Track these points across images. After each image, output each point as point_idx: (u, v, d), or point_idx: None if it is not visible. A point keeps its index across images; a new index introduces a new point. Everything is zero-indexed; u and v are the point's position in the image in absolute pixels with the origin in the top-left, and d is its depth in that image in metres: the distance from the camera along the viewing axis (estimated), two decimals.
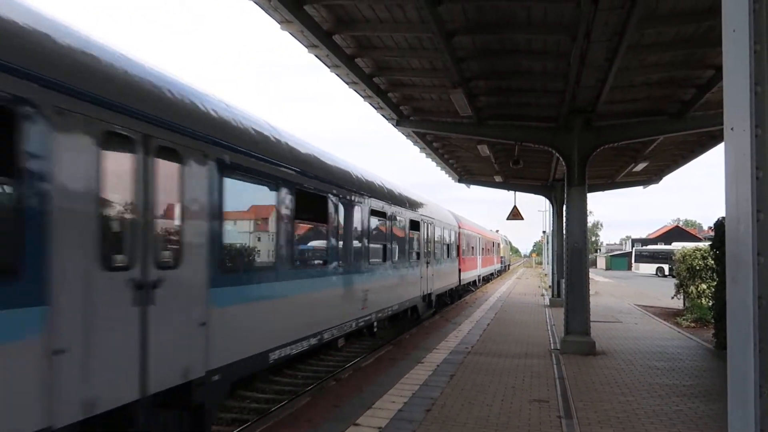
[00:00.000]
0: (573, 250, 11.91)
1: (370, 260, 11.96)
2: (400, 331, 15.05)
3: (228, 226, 6.69)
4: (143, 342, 5.07)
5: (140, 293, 5.04)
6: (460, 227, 25.55)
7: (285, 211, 7.98)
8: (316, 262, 9.77)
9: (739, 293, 2.13)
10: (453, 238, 23.47)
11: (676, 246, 42.43)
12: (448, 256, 22.12)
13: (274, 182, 7.72)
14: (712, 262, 15.04)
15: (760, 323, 2.00)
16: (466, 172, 22.40)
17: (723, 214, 10.93)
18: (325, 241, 9.85)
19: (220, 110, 6.75)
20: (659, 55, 9.37)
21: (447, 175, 22.34)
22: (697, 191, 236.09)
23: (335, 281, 10.04)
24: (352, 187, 10.93)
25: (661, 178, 21.95)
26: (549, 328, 15.35)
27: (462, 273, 25.69)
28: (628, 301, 24.99)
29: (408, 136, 15.33)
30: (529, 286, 36.24)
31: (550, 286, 27.09)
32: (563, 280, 13.68)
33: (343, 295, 10.44)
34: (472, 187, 24.60)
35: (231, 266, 6.82)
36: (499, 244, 51.32)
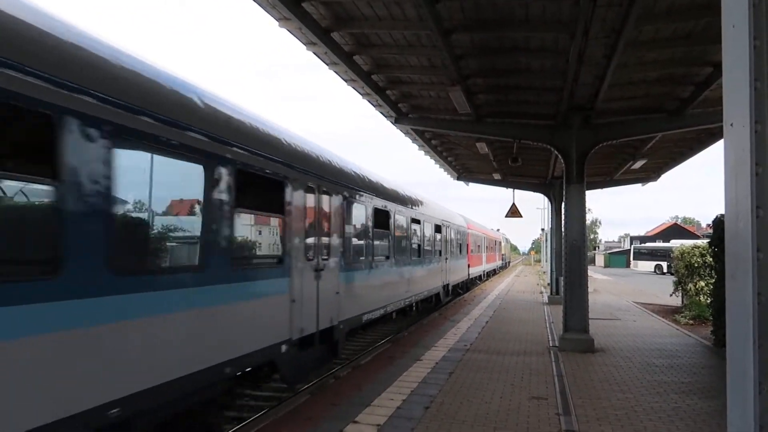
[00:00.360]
0: (572, 248, 11.91)
1: (412, 257, 15.46)
2: (429, 310, 19.00)
3: (349, 237, 10.43)
4: (317, 300, 8.73)
5: (317, 273, 8.77)
6: (468, 228, 28.65)
7: (370, 225, 11.81)
8: (383, 258, 12.92)
9: (738, 290, 2.12)
10: (463, 238, 26.53)
11: (675, 243, 42.51)
12: (460, 253, 25.44)
13: (370, 207, 11.81)
14: (711, 259, 15.08)
15: (759, 320, 2.00)
16: (465, 169, 22.39)
17: (721, 211, 10.87)
18: (387, 244, 13.20)
19: (347, 168, 10.82)
20: (657, 52, 9.36)
21: (446, 172, 22.33)
22: (695, 189, 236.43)
23: (394, 272, 13.80)
24: (402, 203, 14.62)
25: (659, 176, 21.95)
26: (548, 325, 15.36)
27: (470, 268, 29.00)
28: (627, 298, 25.02)
29: (407, 133, 15.31)
30: (527, 283, 36.27)
31: (548, 284, 27.11)
32: (562, 278, 13.70)
33: (397, 282, 14.13)
34: (470, 185, 24.61)
35: (350, 261, 10.43)
36: (500, 243, 55.23)
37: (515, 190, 25.01)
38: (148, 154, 5.35)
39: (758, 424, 1.97)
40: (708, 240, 15.33)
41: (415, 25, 8.50)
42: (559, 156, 12.39)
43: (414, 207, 15.78)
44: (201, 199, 5.96)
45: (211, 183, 6.02)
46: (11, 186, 4.26)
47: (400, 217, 14.11)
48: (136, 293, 4.95)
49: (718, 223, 12.18)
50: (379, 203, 12.31)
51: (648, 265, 62.16)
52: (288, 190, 7.80)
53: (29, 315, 3.95)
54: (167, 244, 5.96)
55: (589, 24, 7.68)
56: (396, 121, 13.46)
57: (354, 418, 6.69)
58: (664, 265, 55.33)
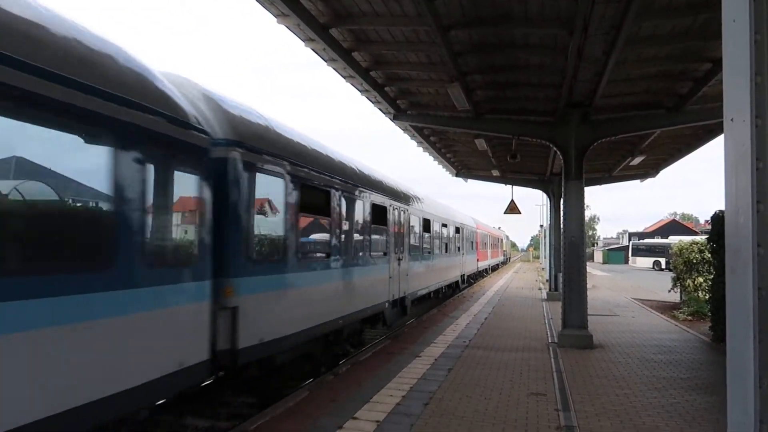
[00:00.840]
0: (570, 244, 11.92)
1: (443, 253, 21.07)
2: (449, 296, 23.57)
3: (410, 239, 15.28)
4: (398, 279, 13.69)
5: (398, 262, 13.65)
6: (477, 228, 33.91)
7: (420, 230, 16.88)
8: (428, 253, 18.15)
9: (738, 285, 2.12)
10: (473, 237, 31.56)
11: (673, 240, 42.55)
12: (472, 249, 30.83)
13: (420, 218, 16.80)
14: (709, 255, 15.09)
15: (759, 314, 2.00)
16: (464, 166, 22.40)
17: (720, 207, 10.89)
18: (430, 243, 18.60)
19: (409, 192, 15.70)
20: (656, 48, 9.36)
21: (444, 169, 22.34)
22: (693, 185, 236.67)
23: (434, 263, 19.17)
24: (437, 212, 19.99)
25: (658, 172, 21.97)
26: (546, 321, 15.38)
27: (479, 262, 35.31)
28: (625, 294, 25.06)
29: (405, 130, 15.31)
30: (526, 280, 36.30)
31: (547, 280, 27.14)
32: (561, 274, 13.70)
33: (437, 270, 19.65)
34: (469, 181, 24.64)
35: (412, 255, 15.43)
36: (502, 240, 62.49)
37: (514, 187, 25.06)
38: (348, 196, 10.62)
39: (758, 418, 1.97)
40: (706, 236, 15.36)
41: (413, 22, 8.48)
42: (558, 152, 12.39)
43: (444, 216, 21.46)
44: (369, 221, 11.72)
45: (369, 212, 11.69)
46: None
47: (436, 223, 19.55)
48: (342, 269, 10.07)
49: (717, 219, 12.20)
50: (425, 215, 17.72)
51: (646, 262, 62.29)
52: (389, 211, 13.20)
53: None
54: (353, 246, 10.73)
55: (588, 20, 7.67)
56: (395, 118, 13.45)
57: (353, 414, 6.70)
58: (663, 261, 55.46)
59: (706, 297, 15.98)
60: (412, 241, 15.44)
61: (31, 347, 3.85)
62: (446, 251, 21.50)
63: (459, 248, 25.02)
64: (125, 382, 4.70)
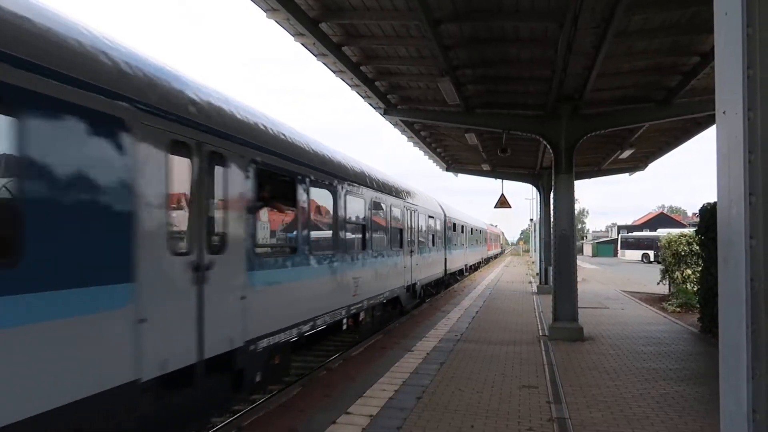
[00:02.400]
0: (560, 238, 11.98)
1: (472, 244, 34.31)
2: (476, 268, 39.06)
3: (459, 234, 27.97)
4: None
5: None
6: (487, 229, 49.94)
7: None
8: (473, 244, 32.94)
9: (731, 276, 2.14)
10: (484, 235, 45.43)
11: (662, 232, 42.86)
12: (485, 243, 46.74)
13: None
14: (698, 247, 15.23)
15: (752, 305, 2.02)
16: (454, 160, 22.42)
17: (708, 200, 10.89)
18: (464, 239, 30.16)
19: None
20: (646, 41, 9.40)
21: (435, 164, 22.35)
22: (681, 178, 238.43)
23: (474, 249, 36.14)
24: (464, 218, 30.07)
25: (647, 165, 22.12)
26: (537, 314, 15.47)
27: (488, 251, 53.11)
28: (615, 287, 25.26)
29: (395, 125, 15.28)
30: (516, 273, 36.47)
31: (537, 274, 27.28)
32: (551, 268, 13.78)
33: (474, 254, 36.44)
34: (459, 176, 24.68)
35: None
36: (499, 236, 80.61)
37: (504, 181, 25.09)
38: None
39: (751, 408, 1.99)
40: (695, 228, 15.49)
41: (404, 16, 8.46)
42: (548, 146, 12.44)
43: (472, 224, 35.19)
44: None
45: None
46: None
47: (468, 228, 32.34)
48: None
49: (705, 211, 12.30)
50: (462, 223, 29.13)
51: (635, 254, 62.80)
52: (456, 225, 24.56)
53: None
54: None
55: (578, 13, 7.68)
56: (385, 113, 13.42)
57: (347, 409, 6.71)
58: (651, 253, 55.92)
59: (695, 289, 16.14)
60: (461, 239, 29.17)
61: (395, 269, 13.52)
62: (477, 243, 39.11)
63: (478, 241, 40.89)
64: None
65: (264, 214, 7.70)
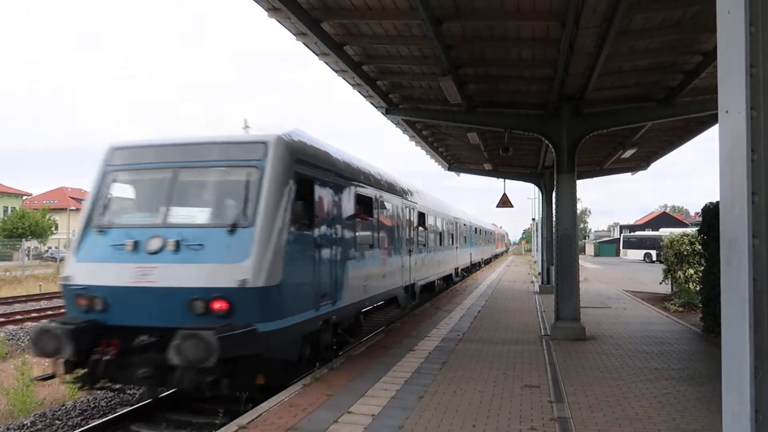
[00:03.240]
0: (562, 237, 11.97)
1: (484, 243, 42.86)
2: (489, 261, 50.13)
3: (478, 234, 37.55)
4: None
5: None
6: (495, 231, 59.31)
7: (468, 233, 30.62)
8: (485, 243, 43.89)
9: (733, 275, 2.14)
10: (493, 236, 54.57)
11: (664, 232, 42.84)
12: (492, 242, 54.38)
13: (475, 227, 34.67)
14: (700, 247, 15.21)
15: (755, 304, 2.02)
16: (456, 160, 22.41)
17: (709, 199, 10.87)
18: (482, 240, 41.18)
19: (470, 214, 34.01)
20: (648, 41, 9.38)
21: (437, 163, 22.34)
22: (683, 177, 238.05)
23: (485, 248, 44.07)
24: (484, 225, 43.44)
25: (649, 165, 22.09)
26: (539, 314, 15.46)
27: (495, 249, 60.52)
28: (617, 286, 25.24)
29: (397, 124, 15.28)
30: (518, 273, 36.45)
31: (539, 273, 27.27)
32: (553, 267, 13.77)
33: (487, 251, 46.44)
34: (461, 175, 24.69)
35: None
36: (504, 236, 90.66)
37: (506, 180, 25.10)
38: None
39: (754, 408, 1.99)
40: (697, 228, 15.47)
41: (406, 15, 8.45)
42: (550, 146, 12.42)
43: (485, 226, 43.18)
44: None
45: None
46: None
47: (481, 230, 38.62)
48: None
49: (707, 210, 12.28)
50: (476, 226, 34.59)
51: (637, 254, 62.76)
52: (471, 226, 31.86)
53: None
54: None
55: (580, 13, 7.67)
56: (387, 112, 13.42)
57: (348, 408, 6.72)
58: (654, 253, 55.86)
59: (697, 288, 16.13)
60: (480, 240, 38.09)
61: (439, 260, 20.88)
62: (489, 243, 49.17)
63: (489, 241, 49.74)
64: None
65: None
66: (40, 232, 64.54)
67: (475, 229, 34.54)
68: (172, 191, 7.92)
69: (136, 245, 7.32)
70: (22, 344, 15.77)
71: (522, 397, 7.30)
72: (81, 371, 7.31)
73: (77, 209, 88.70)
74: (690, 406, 6.85)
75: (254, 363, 7.30)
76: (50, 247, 66.67)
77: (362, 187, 11.04)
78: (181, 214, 7.95)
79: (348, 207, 10.03)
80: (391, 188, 13.62)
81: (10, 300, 24.38)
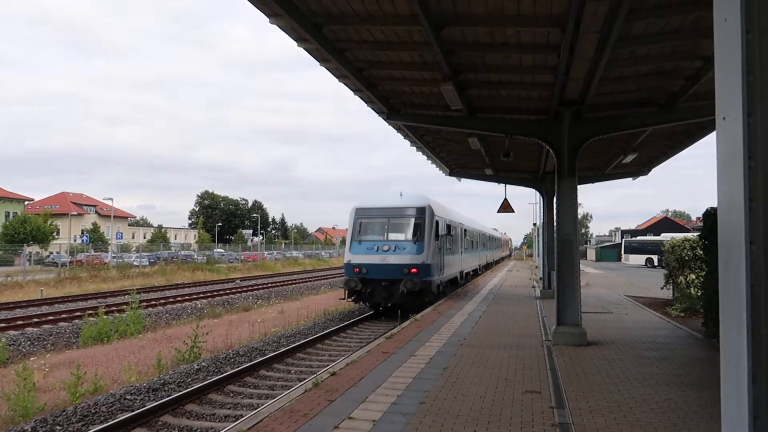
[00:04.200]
0: (563, 242, 11.97)
1: (492, 248, 49.93)
2: (498, 261, 63.86)
3: (489, 240, 47.33)
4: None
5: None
6: (502, 238, 72.38)
7: (489, 242, 47.81)
8: (494, 247, 55.34)
9: (731, 281, 2.15)
10: (500, 242, 66.46)
11: (665, 237, 42.78)
12: (501, 247, 65.72)
13: (491, 236, 50.49)
14: (701, 252, 15.18)
15: (752, 310, 2.02)
16: (457, 165, 22.43)
17: (711, 204, 10.89)
18: (496, 244, 57.12)
19: (489, 229, 50.05)
20: (648, 46, 9.40)
21: (438, 168, 22.36)
22: (685, 182, 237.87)
23: (493, 252, 51.28)
24: (498, 236, 64.02)
25: (650, 170, 22.08)
26: (540, 319, 15.44)
27: (502, 253, 69.77)
28: (618, 291, 25.19)
29: (398, 129, 15.31)
30: (520, 278, 36.41)
31: (540, 278, 27.24)
32: (554, 272, 13.75)
33: (495, 255, 55.50)
34: (462, 180, 24.69)
35: (488, 249, 45.10)
36: (508, 242, 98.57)
37: (507, 185, 25.11)
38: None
39: (752, 414, 1.99)
40: (698, 233, 15.45)
41: (407, 21, 8.48)
42: (551, 151, 12.43)
43: (499, 236, 64.32)
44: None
45: (486, 239, 42.91)
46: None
47: (492, 238, 50.27)
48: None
49: (708, 216, 12.28)
50: (490, 235, 48.48)
51: (639, 259, 62.62)
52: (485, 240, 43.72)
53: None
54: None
55: (580, 18, 7.69)
56: (388, 117, 13.45)
57: (349, 414, 6.71)
58: (655, 258, 55.78)
59: (699, 293, 16.08)
60: (495, 244, 53.57)
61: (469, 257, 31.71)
62: (496, 248, 56.82)
63: (498, 246, 59.99)
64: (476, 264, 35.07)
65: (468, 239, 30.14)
66: (42, 237, 64.59)
67: (489, 237, 47.22)
68: (387, 226, 19.19)
69: (378, 247, 18.62)
70: (23, 350, 15.77)
71: (523, 402, 7.29)
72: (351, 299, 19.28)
73: (79, 214, 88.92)
74: (692, 412, 6.84)
75: (422, 292, 18.15)
76: (51, 252, 66.71)
77: (449, 220, 22.81)
78: (392, 236, 18.97)
79: (444, 229, 21.20)
80: (457, 218, 26.00)
81: (11, 305, 24.39)
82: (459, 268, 25.98)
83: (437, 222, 19.77)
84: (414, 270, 18.02)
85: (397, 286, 17.88)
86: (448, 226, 22.05)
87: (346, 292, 18.83)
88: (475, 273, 35.02)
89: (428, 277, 18.49)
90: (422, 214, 19.04)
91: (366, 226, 19.40)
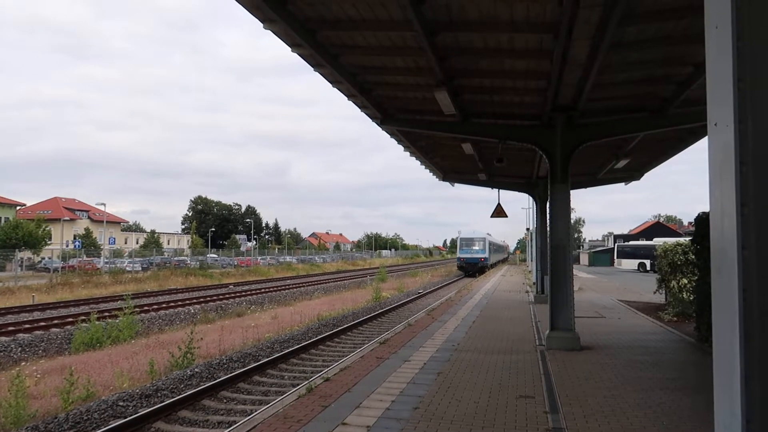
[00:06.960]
0: (557, 247, 12.00)
1: (501, 253, 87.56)
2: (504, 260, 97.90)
3: (500, 251, 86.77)
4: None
5: (497, 252, 79.40)
6: (504, 243, 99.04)
7: (498, 249, 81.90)
8: (501, 253, 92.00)
9: (724, 286, 2.16)
10: (504, 248, 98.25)
11: (658, 241, 43.01)
12: (504, 251, 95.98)
13: (501, 244, 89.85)
14: (693, 256, 15.27)
15: (744, 314, 2.04)
16: (450, 170, 22.48)
17: (702, 209, 10.98)
18: (501, 249, 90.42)
19: (500, 241, 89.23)
20: (640, 52, 9.46)
21: (431, 173, 22.39)
22: (676, 187, 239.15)
23: (501, 255, 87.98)
24: (500, 242, 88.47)
25: (642, 175, 22.20)
26: (534, 324, 15.47)
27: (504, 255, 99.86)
28: (611, 296, 25.28)
29: (392, 134, 15.34)
30: (513, 283, 36.48)
31: (534, 283, 27.29)
32: (547, 277, 13.78)
33: (502, 257, 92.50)
34: (456, 185, 24.77)
35: (499, 253, 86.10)
36: (507, 247, 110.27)
37: (500, 191, 25.20)
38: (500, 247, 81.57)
39: (745, 418, 2.00)
40: (690, 238, 15.54)
41: (400, 27, 8.51)
42: (544, 156, 12.48)
43: (501, 243, 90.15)
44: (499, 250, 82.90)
45: (497, 248, 79.96)
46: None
47: (501, 246, 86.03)
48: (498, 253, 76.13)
49: (700, 220, 12.36)
50: (498, 243, 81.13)
51: (631, 263, 62.87)
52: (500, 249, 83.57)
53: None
54: (495, 251, 72.13)
55: (573, 25, 7.75)
56: (382, 123, 13.47)
57: (343, 420, 6.69)
58: (648, 263, 56.04)
59: (691, 298, 16.16)
60: (498, 249, 77.00)
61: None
62: (502, 251, 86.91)
63: (503, 251, 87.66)
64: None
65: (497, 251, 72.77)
66: (34, 242, 64.11)
67: (498, 245, 71.01)
68: (471, 245, 56.43)
69: (470, 251, 56.53)
70: (15, 356, 15.65)
71: (517, 407, 7.29)
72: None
73: (71, 219, 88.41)
74: (685, 417, 6.86)
75: (483, 267, 55.35)
76: (44, 258, 66.25)
77: (489, 240, 59.00)
78: (473, 246, 56.43)
79: (488, 245, 57.82)
80: (491, 239, 61.69)
81: (2, 311, 24.20)
82: (492, 261, 60.16)
83: (488, 242, 55.93)
84: (482, 259, 54.37)
85: (477, 265, 53.53)
86: (490, 243, 56.91)
87: (459, 268, 56.19)
88: (495, 264, 66.21)
89: (486, 263, 55.07)
90: (483, 239, 55.62)
91: (463, 242, 55.94)
